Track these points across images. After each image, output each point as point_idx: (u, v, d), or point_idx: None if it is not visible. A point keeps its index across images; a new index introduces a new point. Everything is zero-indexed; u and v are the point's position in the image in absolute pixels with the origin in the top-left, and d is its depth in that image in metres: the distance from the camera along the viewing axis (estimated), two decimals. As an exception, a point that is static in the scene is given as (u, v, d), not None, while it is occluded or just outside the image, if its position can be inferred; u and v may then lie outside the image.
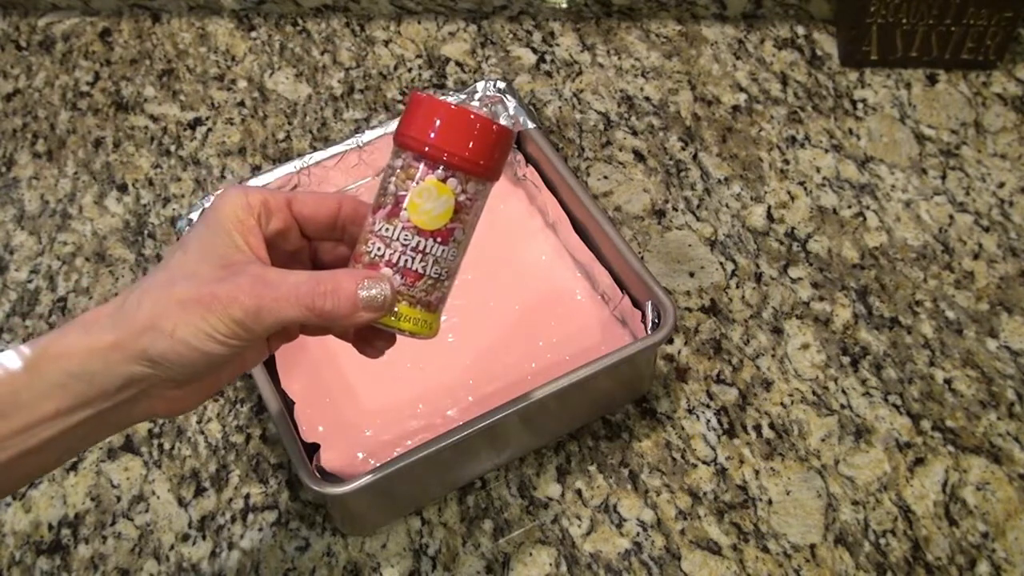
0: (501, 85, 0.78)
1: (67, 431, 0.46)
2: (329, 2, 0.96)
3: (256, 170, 0.85)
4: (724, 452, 0.71)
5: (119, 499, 0.70)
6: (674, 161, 0.86)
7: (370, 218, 0.50)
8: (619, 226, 0.82)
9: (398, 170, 0.49)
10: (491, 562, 0.67)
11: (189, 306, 0.45)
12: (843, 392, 0.73)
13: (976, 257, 0.80)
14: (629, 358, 0.65)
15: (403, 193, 0.49)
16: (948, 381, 0.74)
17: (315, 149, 0.76)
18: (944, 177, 0.85)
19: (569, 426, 0.71)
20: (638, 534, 0.67)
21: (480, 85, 0.78)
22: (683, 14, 0.96)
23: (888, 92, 0.90)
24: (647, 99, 0.90)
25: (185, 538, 0.68)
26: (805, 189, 0.84)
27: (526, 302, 0.75)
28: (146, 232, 0.83)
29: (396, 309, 0.50)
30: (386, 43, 0.95)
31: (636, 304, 0.70)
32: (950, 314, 0.77)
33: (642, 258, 0.80)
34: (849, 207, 0.83)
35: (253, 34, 0.96)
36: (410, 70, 0.92)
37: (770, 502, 0.69)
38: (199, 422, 0.73)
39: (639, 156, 0.86)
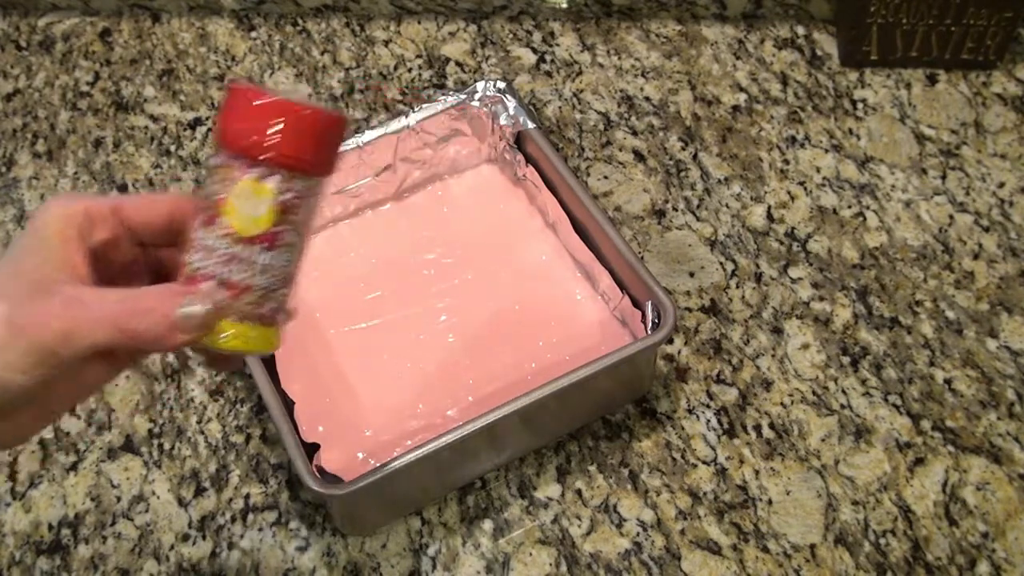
0: (501, 85, 0.78)
1: None
2: (329, 2, 0.96)
3: (256, 170, 0.85)
4: (724, 452, 0.71)
5: (119, 499, 0.70)
6: (674, 161, 0.86)
7: (192, 225, 0.45)
8: (619, 226, 0.82)
9: (215, 170, 0.44)
10: (491, 562, 0.67)
11: (12, 321, 0.41)
12: (843, 392, 0.73)
13: (976, 257, 0.80)
14: (629, 358, 0.65)
15: (221, 196, 0.43)
16: (948, 381, 0.74)
17: (315, 149, 0.76)
18: (944, 177, 0.85)
19: (569, 426, 0.71)
20: (638, 534, 0.67)
21: (480, 85, 0.78)
22: (683, 14, 0.96)
23: (888, 92, 0.90)
24: (647, 99, 0.90)
25: (185, 538, 0.68)
26: (805, 189, 0.84)
27: (526, 302, 0.75)
28: (146, 232, 0.83)
29: (221, 326, 0.44)
30: (386, 43, 0.95)
31: (636, 304, 0.70)
32: (950, 314, 0.77)
33: (642, 258, 0.80)
34: (849, 207, 0.83)
35: (253, 34, 0.96)
36: (410, 70, 0.92)
37: (770, 502, 0.69)
38: (199, 422, 0.73)
39: (639, 156, 0.86)
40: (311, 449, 0.64)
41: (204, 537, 0.68)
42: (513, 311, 0.74)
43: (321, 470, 0.64)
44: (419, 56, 0.93)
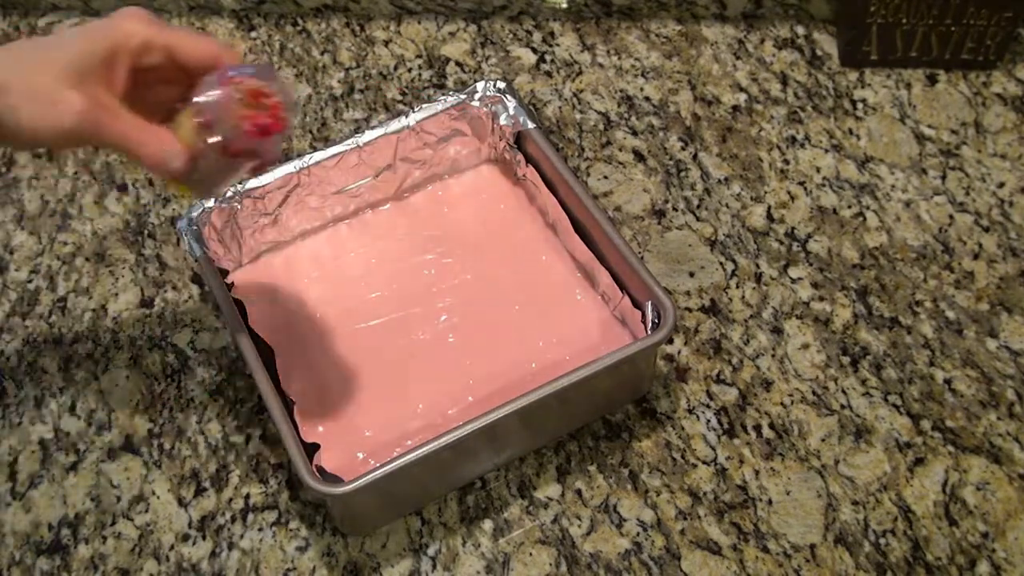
0: (501, 85, 0.78)
1: None
2: (329, 2, 0.96)
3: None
4: (724, 452, 0.71)
5: (119, 499, 0.70)
6: (674, 161, 0.86)
7: (204, 80, 0.57)
8: (619, 226, 0.82)
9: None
10: (491, 562, 0.67)
11: (39, 97, 0.51)
12: (843, 392, 0.73)
13: (976, 257, 0.80)
14: (629, 358, 0.65)
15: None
16: (948, 381, 0.74)
17: (315, 149, 0.76)
18: (944, 177, 0.85)
19: (569, 426, 0.71)
20: (638, 534, 0.67)
21: (480, 85, 0.78)
22: (683, 14, 0.96)
23: (888, 92, 0.90)
24: (647, 99, 0.90)
25: (185, 538, 0.68)
26: (805, 189, 0.84)
27: (526, 302, 0.75)
28: (146, 232, 0.83)
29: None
30: (386, 43, 0.95)
31: (636, 304, 0.70)
32: (950, 314, 0.77)
33: (642, 258, 0.80)
34: (849, 207, 0.83)
35: (253, 34, 0.96)
36: (410, 70, 0.92)
37: (770, 502, 0.69)
38: (199, 422, 0.73)
39: (639, 156, 0.86)
40: (311, 449, 0.64)
41: (204, 537, 0.68)
42: (513, 311, 0.74)
43: (321, 470, 0.64)
44: (419, 56, 0.93)
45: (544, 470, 0.70)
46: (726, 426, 0.72)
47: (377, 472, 0.60)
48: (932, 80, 0.91)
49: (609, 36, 0.95)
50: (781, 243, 0.81)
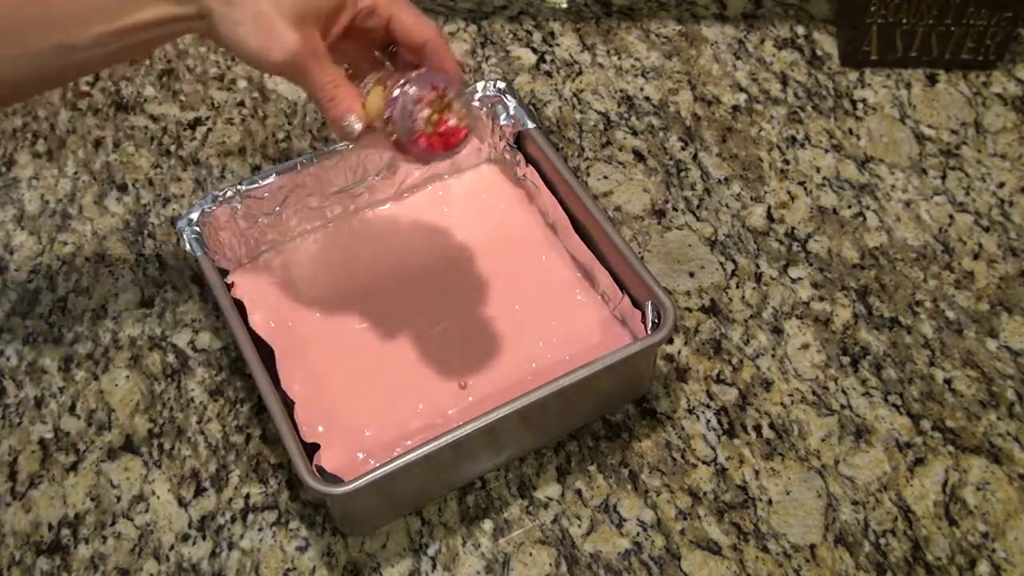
0: (501, 85, 0.78)
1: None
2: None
3: (256, 170, 0.85)
4: (724, 452, 0.71)
5: (119, 499, 0.70)
6: (674, 161, 0.86)
7: (405, 60, 0.63)
8: (619, 226, 0.82)
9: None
10: (491, 562, 0.67)
11: (262, 22, 0.56)
12: (843, 392, 0.73)
13: (976, 257, 0.80)
14: (629, 358, 0.65)
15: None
16: (948, 381, 0.74)
17: (315, 149, 0.76)
18: (944, 177, 0.85)
19: (569, 426, 0.71)
20: (638, 534, 0.67)
21: (480, 85, 0.78)
22: (683, 14, 0.96)
23: (888, 92, 0.90)
24: (647, 99, 0.90)
25: (185, 538, 0.68)
26: (805, 189, 0.84)
27: (526, 302, 0.75)
28: (146, 232, 0.83)
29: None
30: (386, 43, 0.95)
31: (636, 304, 0.70)
32: (950, 314, 0.77)
33: (642, 258, 0.80)
34: (849, 207, 0.83)
35: (253, 34, 0.96)
36: (410, 70, 0.92)
37: (770, 502, 0.69)
38: (199, 422, 0.73)
39: (639, 156, 0.86)
40: (311, 449, 0.64)
41: (204, 537, 0.68)
42: (513, 311, 0.74)
43: (321, 470, 0.64)
44: (419, 56, 0.93)
45: (544, 470, 0.70)
46: (726, 426, 0.72)
47: (377, 472, 0.60)
48: (932, 80, 0.91)
49: (609, 36, 0.95)
50: (781, 243, 0.81)
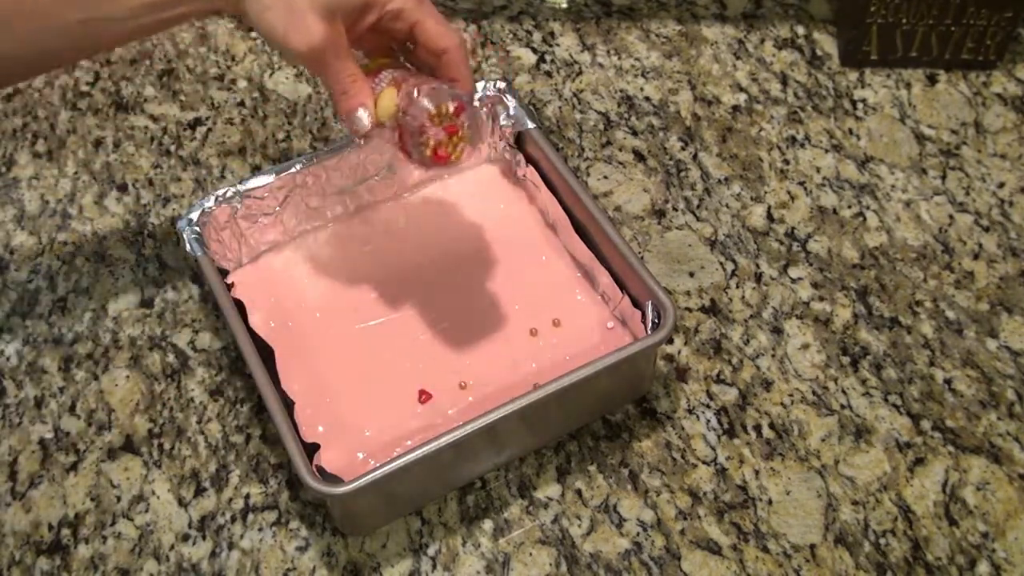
0: (501, 85, 0.78)
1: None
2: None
3: (256, 170, 0.85)
4: (724, 452, 0.71)
5: (119, 499, 0.70)
6: (674, 161, 0.86)
7: (413, 71, 0.64)
8: (619, 226, 0.82)
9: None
10: (491, 562, 0.67)
11: (294, 11, 0.58)
12: (843, 392, 0.73)
13: (976, 257, 0.80)
14: (629, 358, 0.65)
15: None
16: (948, 381, 0.74)
17: (315, 149, 0.76)
18: (944, 177, 0.85)
19: (569, 426, 0.71)
20: (638, 534, 0.67)
21: (480, 85, 0.78)
22: (683, 14, 0.96)
23: (888, 92, 0.90)
24: (647, 99, 0.90)
25: (185, 538, 0.68)
26: (805, 189, 0.84)
27: (526, 302, 0.75)
28: (146, 232, 0.83)
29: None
30: (386, 43, 0.95)
31: (636, 304, 0.70)
32: (950, 314, 0.77)
33: (642, 258, 0.80)
34: (849, 207, 0.83)
35: (253, 34, 0.96)
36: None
37: (770, 502, 0.69)
38: (199, 422, 0.73)
39: (639, 156, 0.86)
40: (311, 449, 0.64)
41: (204, 537, 0.68)
42: (513, 311, 0.74)
43: (321, 470, 0.64)
44: (419, 56, 0.93)
45: (544, 470, 0.70)
46: (726, 426, 0.72)
47: (377, 472, 0.60)
48: (932, 80, 0.91)
49: (609, 36, 0.95)
50: (781, 243, 0.81)
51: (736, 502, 0.69)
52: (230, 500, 0.69)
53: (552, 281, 0.76)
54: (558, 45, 0.94)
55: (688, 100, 0.90)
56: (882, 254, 0.80)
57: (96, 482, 0.70)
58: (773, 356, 0.75)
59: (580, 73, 0.92)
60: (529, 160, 0.78)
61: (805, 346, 0.75)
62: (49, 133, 0.89)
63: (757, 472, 0.70)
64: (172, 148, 0.88)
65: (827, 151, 0.86)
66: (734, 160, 0.86)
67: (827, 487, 0.69)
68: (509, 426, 0.64)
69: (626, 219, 0.82)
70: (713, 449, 0.71)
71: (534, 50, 0.94)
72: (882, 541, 0.67)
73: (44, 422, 0.73)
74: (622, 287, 0.71)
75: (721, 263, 0.80)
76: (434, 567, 0.66)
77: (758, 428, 0.72)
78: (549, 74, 0.92)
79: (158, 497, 0.70)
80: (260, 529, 0.68)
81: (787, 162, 0.86)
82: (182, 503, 0.69)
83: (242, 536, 0.68)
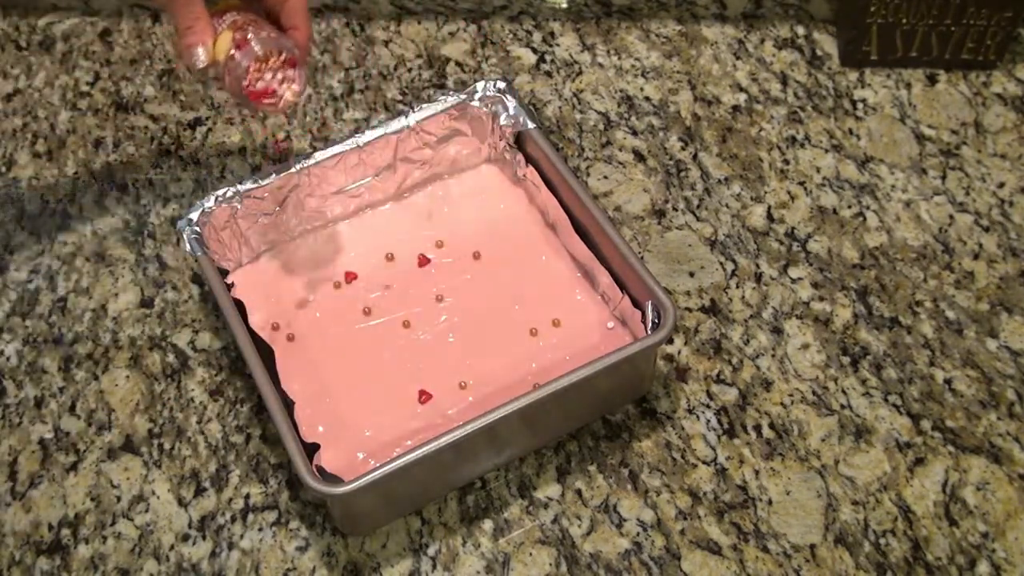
0: (501, 85, 0.78)
1: None
2: (329, 2, 0.96)
3: (256, 170, 0.85)
4: (724, 452, 0.71)
5: (119, 499, 0.70)
6: (674, 161, 0.86)
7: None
8: (619, 226, 0.82)
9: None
10: (491, 562, 0.67)
11: None
12: (843, 392, 0.73)
13: (976, 257, 0.80)
14: (629, 358, 0.65)
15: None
16: (948, 381, 0.74)
17: (315, 149, 0.76)
18: (944, 177, 0.85)
19: (569, 426, 0.71)
20: (638, 534, 0.67)
21: (480, 85, 0.78)
22: (683, 14, 0.96)
23: (888, 92, 0.90)
24: (647, 99, 0.90)
25: (185, 538, 0.68)
26: (805, 189, 0.84)
27: (526, 302, 0.75)
28: (146, 232, 0.83)
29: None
30: (386, 43, 0.95)
31: (636, 304, 0.70)
32: (950, 314, 0.77)
33: (642, 258, 0.80)
34: (849, 207, 0.83)
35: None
36: (410, 70, 0.92)
37: (770, 502, 0.69)
38: (199, 422, 0.73)
39: (639, 156, 0.86)
40: (311, 449, 0.64)
41: (204, 537, 0.68)
42: (513, 311, 0.74)
43: (321, 470, 0.64)
44: (419, 56, 0.93)
45: (544, 470, 0.70)
46: (726, 426, 0.72)
47: (377, 472, 0.60)
48: (932, 80, 0.91)
49: (609, 36, 0.95)
50: (781, 243, 0.81)
51: (736, 502, 0.69)
52: (230, 500, 0.69)
53: (552, 281, 0.76)
54: (558, 45, 0.94)
55: (688, 100, 0.90)
56: (882, 254, 0.80)
57: (96, 482, 0.70)
58: (773, 356, 0.75)
59: (580, 73, 0.92)
60: (529, 160, 0.78)
61: (805, 346, 0.75)
62: (49, 133, 0.89)
63: (757, 472, 0.70)
64: (172, 148, 0.88)
65: (827, 151, 0.86)
66: (734, 160, 0.86)
67: (827, 487, 0.69)
68: (509, 426, 0.64)
69: (626, 219, 0.82)
70: (713, 449, 0.71)
71: (534, 50, 0.94)
72: (882, 541, 0.67)
73: (44, 422, 0.73)
74: (622, 287, 0.71)
75: (721, 263, 0.80)
76: (434, 567, 0.66)
77: (758, 428, 0.72)
78: (549, 74, 0.92)
79: (158, 497, 0.70)
80: (260, 529, 0.68)
81: (787, 162, 0.86)
82: (182, 503, 0.69)
83: (242, 536, 0.68)
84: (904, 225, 0.82)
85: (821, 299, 0.78)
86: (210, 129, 0.89)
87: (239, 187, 0.73)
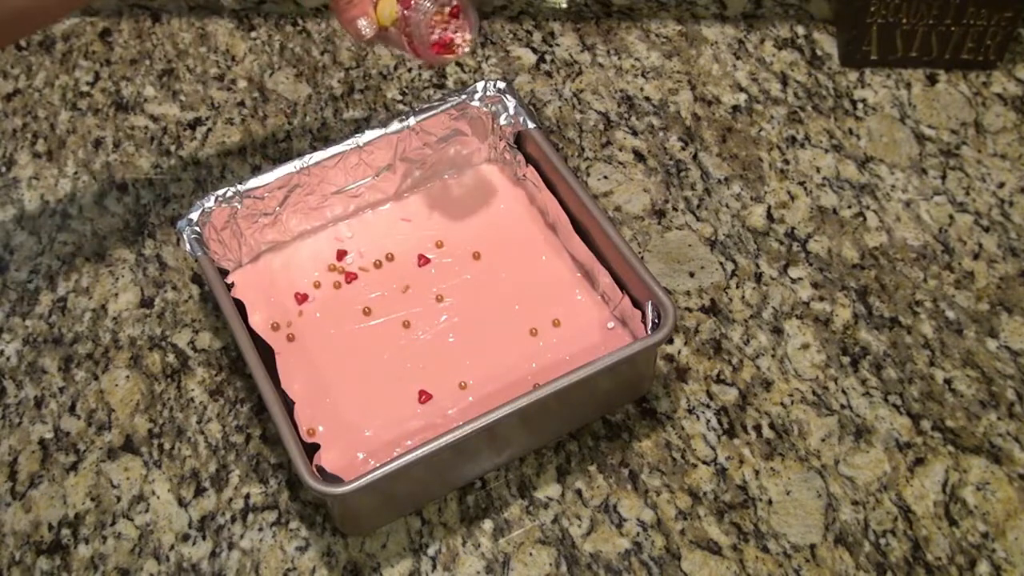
0: (501, 85, 0.78)
1: None
2: (329, 2, 0.96)
3: (256, 170, 0.86)
4: (724, 452, 0.71)
5: (119, 499, 0.70)
6: (674, 161, 0.86)
7: None
8: (619, 226, 0.82)
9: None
10: (491, 562, 0.67)
11: None
12: (843, 392, 0.73)
13: (976, 257, 0.80)
14: (629, 358, 0.65)
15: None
16: (948, 381, 0.74)
17: (315, 149, 0.76)
18: (944, 177, 0.85)
19: (569, 426, 0.71)
20: (638, 534, 0.67)
21: (480, 85, 0.78)
22: (683, 14, 0.96)
23: (888, 92, 0.90)
24: (647, 99, 0.90)
25: (185, 538, 0.68)
26: (805, 189, 0.84)
27: (526, 302, 0.75)
28: (146, 232, 0.83)
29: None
30: (386, 43, 0.95)
31: (636, 304, 0.70)
32: (950, 314, 0.77)
33: (642, 258, 0.80)
34: (849, 207, 0.83)
35: (253, 34, 0.96)
36: (410, 70, 0.92)
37: (770, 502, 0.69)
38: (199, 422, 0.73)
39: (639, 156, 0.86)
40: (311, 449, 0.64)
41: (204, 537, 0.68)
42: (513, 311, 0.74)
43: (321, 470, 0.64)
44: (419, 56, 0.93)
45: (544, 470, 0.70)
46: (726, 426, 0.72)
47: (377, 472, 0.60)
48: (932, 80, 0.91)
49: (609, 36, 0.95)
50: (781, 243, 0.81)
51: (736, 502, 0.69)
52: (230, 500, 0.69)
53: (552, 281, 0.76)
54: (558, 45, 0.94)
55: (688, 100, 0.90)
56: (882, 254, 0.80)
57: (96, 482, 0.70)
58: (773, 356, 0.75)
59: (580, 73, 0.92)
60: (529, 160, 0.78)
61: (805, 346, 0.75)
62: (49, 133, 0.90)
63: (757, 472, 0.70)
64: (172, 148, 0.88)
65: (827, 151, 0.86)
66: (734, 160, 0.86)
67: (827, 487, 0.69)
68: (509, 426, 0.64)
69: (626, 219, 0.82)
70: (713, 449, 0.71)
71: (534, 50, 0.94)
72: (882, 541, 0.67)
73: (44, 422, 0.73)
74: (622, 287, 0.71)
75: (721, 263, 0.80)
76: (434, 567, 0.66)
77: (758, 428, 0.72)
78: (549, 74, 0.92)
79: (158, 497, 0.70)
80: (260, 529, 0.68)
81: (787, 162, 0.86)
82: (182, 503, 0.69)
83: (242, 536, 0.68)
84: (904, 225, 0.82)
85: (821, 299, 0.78)
86: (210, 129, 0.89)
87: (239, 187, 0.73)
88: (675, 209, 0.83)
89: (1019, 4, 0.86)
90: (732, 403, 0.73)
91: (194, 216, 0.72)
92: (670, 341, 0.75)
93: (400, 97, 0.91)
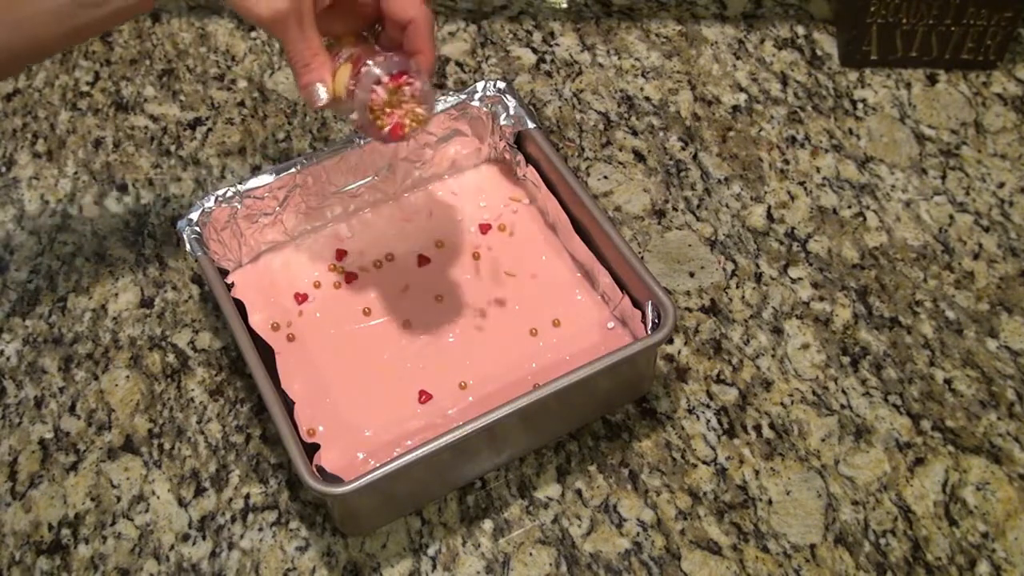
0: (501, 85, 0.78)
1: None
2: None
3: (256, 170, 0.85)
4: (724, 452, 0.71)
5: (119, 499, 0.70)
6: (674, 161, 0.86)
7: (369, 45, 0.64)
8: (619, 226, 0.82)
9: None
10: (491, 562, 0.67)
11: None
12: (843, 392, 0.73)
13: (976, 257, 0.80)
14: (629, 358, 0.65)
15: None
16: (948, 381, 0.74)
17: (315, 149, 0.76)
18: (944, 177, 0.85)
19: (569, 426, 0.71)
20: (638, 534, 0.67)
21: (480, 85, 0.78)
22: (683, 14, 0.96)
23: (888, 92, 0.90)
24: (647, 99, 0.90)
25: (185, 538, 0.68)
26: (805, 189, 0.84)
27: (526, 302, 0.75)
28: (146, 232, 0.83)
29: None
30: (386, 43, 0.95)
31: (636, 304, 0.70)
32: (950, 314, 0.77)
33: (642, 258, 0.80)
34: (849, 207, 0.83)
35: (253, 34, 0.96)
36: (410, 70, 0.92)
37: (770, 502, 0.69)
38: (199, 422, 0.73)
39: (639, 156, 0.86)
40: (311, 449, 0.64)
41: (204, 537, 0.68)
42: (513, 311, 0.74)
43: (321, 470, 0.64)
44: (419, 56, 0.93)
45: (544, 470, 0.70)
46: (726, 426, 0.72)
47: (377, 472, 0.60)
48: (932, 80, 0.91)
49: (609, 36, 0.95)
50: (781, 243, 0.81)
51: (736, 502, 0.69)
52: (230, 500, 0.69)
53: (552, 281, 0.76)
54: (558, 45, 0.94)
55: (688, 100, 0.90)
56: (882, 254, 0.80)
57: (96, 482, 0.70)
58: (773, 356, 0.75)
59: (580, 73, 0.92)
60: (529, 160, 0.78)
61: (805, 346, 0.75)
62: (49, 133, 0.89)
63: (757, 472, 0.70)
64: (172, 148, 0.88)
65: (827, 151, 0.86)
66: (734, 160, 0.86)
67: (827, 487, 0.69)
68: (509, 426, 0.64)
69: (626, 219, 0.82)
70: (713, 449, 0.71)
71: (534, 50, 0.94)
72: (882, 541, 0.67)
73: (44, 422, 0.73)
74: (622, 287, 0.71)
75: (721, 263, 0.80)
76: (434, 567, 0.66)
77: (758, 428, 0.72)
78: (549, 74, 0.92)
79: (158, 497, 0.70)
80: (260, 529, 0.68)
81: (787, 162, 0.86)
82: (182, 503, 0.69)
83: (242, 536, 0.68)
84: (904, 225, 0.82)
85: (821, 299, 0.78)
86: (210, 129, 0.89)
87: (239, 187, 0.73)
88: (675, 209, 0.83)
89: (1019, 4, 0.86)
90: (732, 403, 0.73)
91: (194, 216, 0.72)
92: (670, 341, 0.75)
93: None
